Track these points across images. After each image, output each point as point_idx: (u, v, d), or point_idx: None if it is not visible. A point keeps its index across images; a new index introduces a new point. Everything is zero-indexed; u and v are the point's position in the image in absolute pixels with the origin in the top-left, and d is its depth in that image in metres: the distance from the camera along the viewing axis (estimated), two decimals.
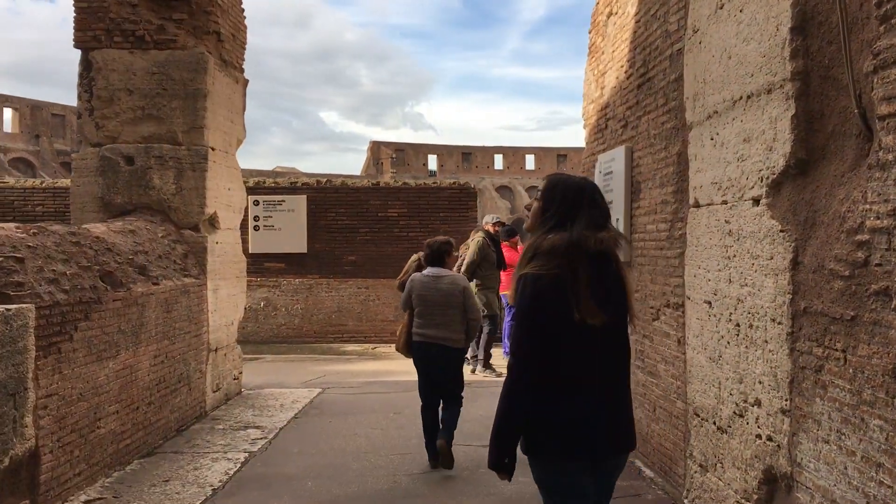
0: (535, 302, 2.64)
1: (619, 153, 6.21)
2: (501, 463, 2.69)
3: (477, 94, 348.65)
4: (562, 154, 75.87)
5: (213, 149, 7.82)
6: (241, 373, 8.69)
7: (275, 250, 12.82)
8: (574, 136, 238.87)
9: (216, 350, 7.85)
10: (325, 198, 12.99)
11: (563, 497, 2.75)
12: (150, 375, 6.21)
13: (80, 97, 7.64)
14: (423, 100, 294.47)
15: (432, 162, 73.51)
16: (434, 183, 13.21)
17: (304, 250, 12.88)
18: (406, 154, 71.46)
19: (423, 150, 74.62)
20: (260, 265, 12.79)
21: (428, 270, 5.97)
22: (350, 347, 12.58)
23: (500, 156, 75.75)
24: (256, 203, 12.86)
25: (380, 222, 12.94)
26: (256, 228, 12.86)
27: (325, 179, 13.09)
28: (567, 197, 2.80)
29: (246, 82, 8.90)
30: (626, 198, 6.03)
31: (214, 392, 7.80)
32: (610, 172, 6.41)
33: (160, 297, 6.44)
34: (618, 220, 6.11)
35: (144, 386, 6.11)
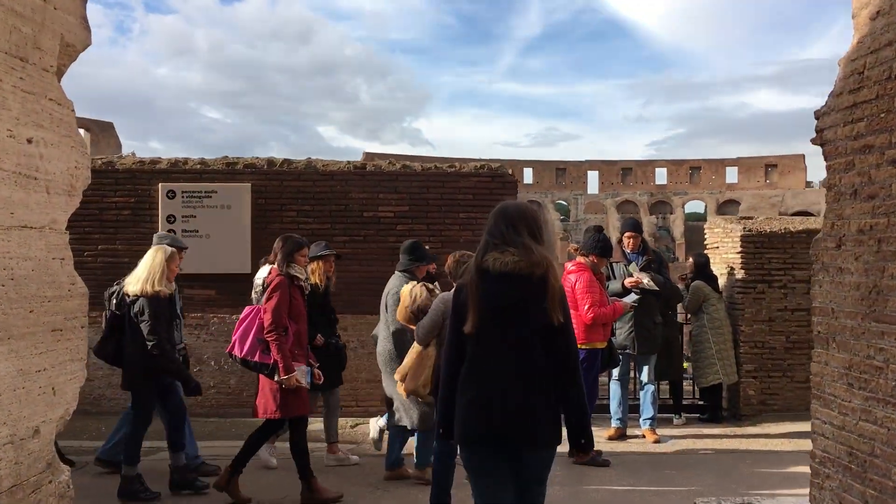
0: (455, 308, 3.35)
1: None
2: (438, 430, 3.54)
3: (473, 109, 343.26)
4: (560, 168, 72.33)
5: None
6: None
7: (201, 269, 8.16)
8: (570, 152, 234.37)
9: None
10: (281, 189, 8.37)
11: (474, 478, 3.33)
12: None
13: None
14: (421, 115, 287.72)
15: None
16: (451, 167, 8.64)
17: (248, 269, 8.25)
18: None
19: (417, 162, 70.54)
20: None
21: None
22: (318, 425, 7.96)
23: None
24: (171, 195, 8.25)
25: (366, 226, 8.33)
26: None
27: (280, 160, 8.48)
28: (487, 224, 3.40)
29: None
30: None
31: None
32: None
33: None
34: None
35: None
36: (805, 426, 8.28)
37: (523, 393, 3.16)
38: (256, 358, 5.45)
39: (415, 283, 5.91)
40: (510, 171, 8.66)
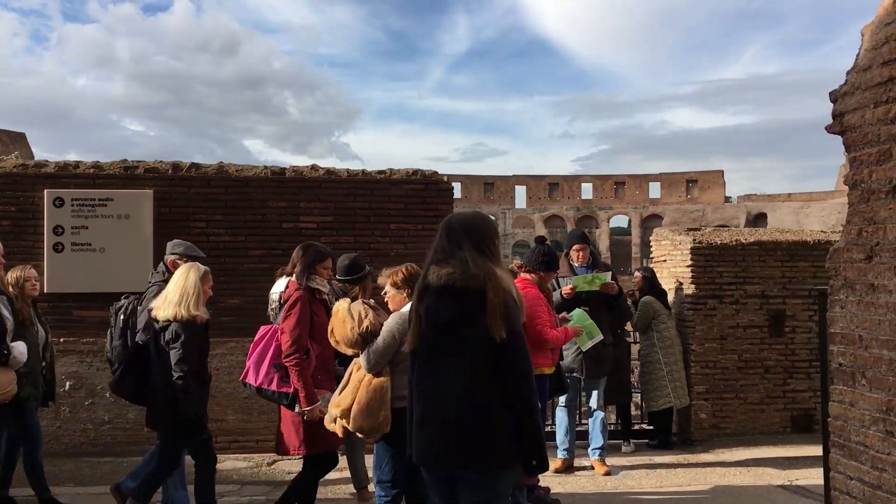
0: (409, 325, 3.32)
1: None
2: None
3: (402, 124, 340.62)
4: (489, 182, 72.45)
5: None
6: None
7: (94, 289, 7.14)
8: (497, 167, 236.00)
9: None
10: (188, 196, 7.41)
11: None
12: None
13: None
14: (350, 129, 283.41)
15: None
16: (380, 173, 7.83)
17: None
18: None
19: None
20: (65, 313, 7.16)
21: None
22: (228, 464, 7.03)
23: None
24: (59, 203, 7.20)
25: (286, 238, 7.40)
26: (58, 248, 7.20)
27: (186, 164, 7.53)
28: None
29: None
30: None
31: None
32: None
33: None
34: None
35: None
36: (761, 452, 7.78)
37: (461, 412, 3.01)
38: (273, 386, 4.62)
39: (348, 300, 4.88)
40: (445, 178, 7.92)
